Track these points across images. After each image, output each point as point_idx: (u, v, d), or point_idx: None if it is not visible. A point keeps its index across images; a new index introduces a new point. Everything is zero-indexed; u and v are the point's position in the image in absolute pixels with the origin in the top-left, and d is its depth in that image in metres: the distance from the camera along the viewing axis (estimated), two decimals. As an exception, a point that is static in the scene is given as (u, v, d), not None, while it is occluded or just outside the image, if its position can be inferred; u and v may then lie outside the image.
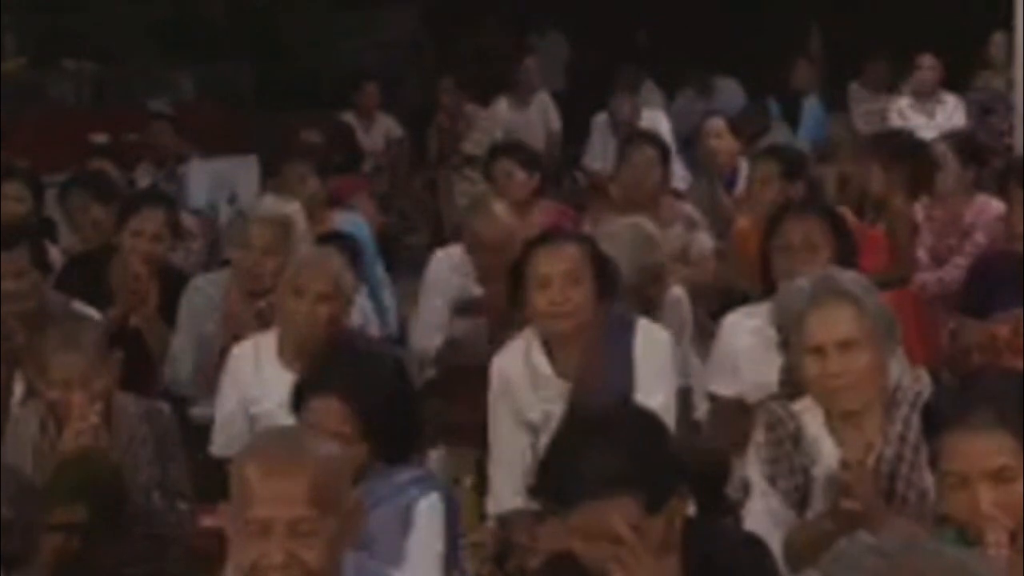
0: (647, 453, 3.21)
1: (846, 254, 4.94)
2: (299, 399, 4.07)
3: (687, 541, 3.25)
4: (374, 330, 6.50)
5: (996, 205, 7.14)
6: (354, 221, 7.42)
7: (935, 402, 3.55)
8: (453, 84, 12.20)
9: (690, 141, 8.99)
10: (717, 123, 8.67)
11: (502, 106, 12.13)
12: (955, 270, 6.88)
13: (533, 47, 13.90)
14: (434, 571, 4.06)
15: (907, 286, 6.66)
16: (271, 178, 8.25)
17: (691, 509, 3.36)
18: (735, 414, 4.96)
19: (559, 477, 3.22)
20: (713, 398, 5.24)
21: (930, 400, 3.70)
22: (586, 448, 3.20)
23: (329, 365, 4.18)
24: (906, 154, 7.23)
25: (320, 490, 3.04)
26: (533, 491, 3.54)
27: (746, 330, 5.02)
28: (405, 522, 4.01)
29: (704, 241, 7.14)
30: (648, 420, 3.38)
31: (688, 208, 7.51)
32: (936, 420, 3.32)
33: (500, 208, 6.45)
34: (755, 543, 3.50)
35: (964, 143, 7.71)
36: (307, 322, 5.08)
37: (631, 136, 8.43)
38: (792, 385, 4.19)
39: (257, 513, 3.02)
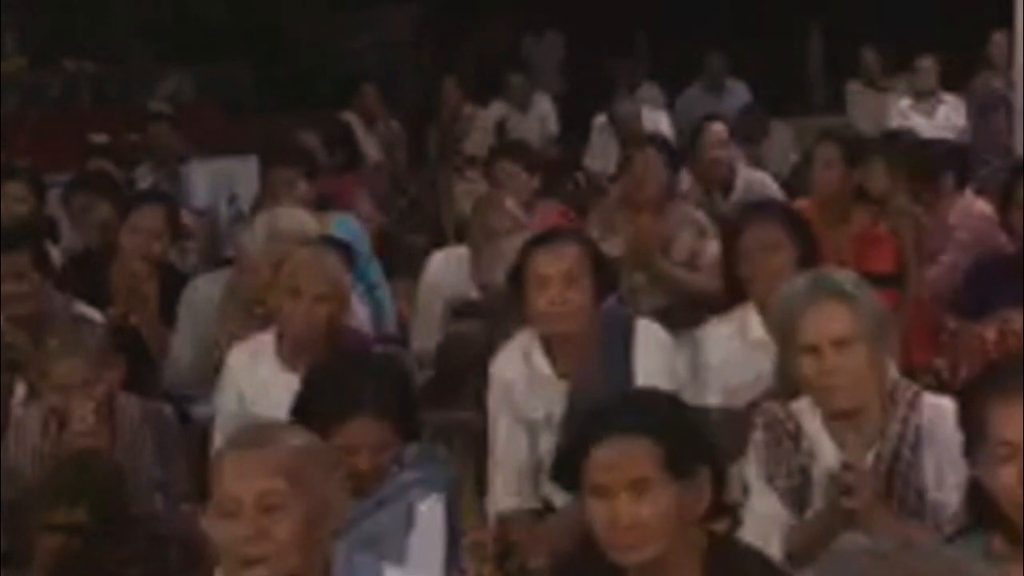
0: (670, 416, 3.20)
1: (807, 255, 4.94)
2: (327, 422, 3.90)
3: (713, 555, 3.15)
4: (369, 331, 6.49)
5: (979, 205, 7.15)
6: (345, 222, 7.41)
7: (971, 386, 3.47)
8: (455, 83, 12.19)
9: (691, 138, 8.88)
10: (719, 131, 8.46)
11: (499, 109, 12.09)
12: (938, 267, 6.84)
13: (529, 48, 13.89)
14: (435, 572, 4.06)
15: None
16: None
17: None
18: (725, 423, 4.94)
19: (581, 431, 3.18)
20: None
21: (964, 387, 3.63)
22: (609, 407, 3.22)
23: (358, 385, 4.09)
24: (908, 153, 7.23)
25: (289, 464, 3.04)
26: (554, 471, 3.45)
27: (720, 338, 5.01)
28: (406, 523, 4.02)
29: (714, 249, 7.03)
30: (670, 396, 3.44)
31: (700, 215, 7.31)
32: (974, 399, 3.24)
33: (510, 202, 6.50)
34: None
35: (940, 148, 7.71)
36: (305, 323, 5.07)
37: (634, 139, 8.35)
38: (788, 385, 4.18)
39: (227, 489, 3.04)
